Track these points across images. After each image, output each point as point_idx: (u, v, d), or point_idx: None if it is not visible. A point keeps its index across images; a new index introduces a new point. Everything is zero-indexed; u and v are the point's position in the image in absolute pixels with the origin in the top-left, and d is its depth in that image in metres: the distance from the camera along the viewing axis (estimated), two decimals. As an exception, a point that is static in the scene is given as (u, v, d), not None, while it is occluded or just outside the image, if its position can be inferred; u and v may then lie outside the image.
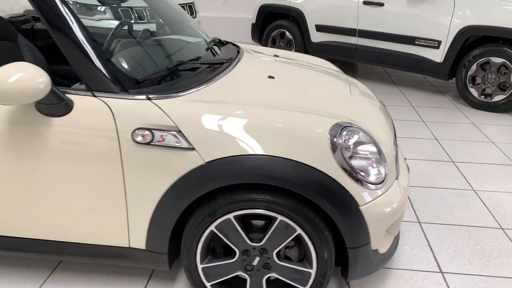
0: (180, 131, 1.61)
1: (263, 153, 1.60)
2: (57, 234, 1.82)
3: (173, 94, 1.71)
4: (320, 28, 5.63)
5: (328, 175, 1.60)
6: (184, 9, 5.51)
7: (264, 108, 1.72)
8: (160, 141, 1.62)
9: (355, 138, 1.71)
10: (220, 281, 1.83)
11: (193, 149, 1.61)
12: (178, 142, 1.61)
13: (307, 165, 1.60)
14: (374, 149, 1.74)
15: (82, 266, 2.14)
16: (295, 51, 5.99)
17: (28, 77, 1.49)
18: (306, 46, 5.88)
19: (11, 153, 1.66)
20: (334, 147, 1.63)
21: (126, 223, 1.74)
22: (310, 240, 1.67)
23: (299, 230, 1.67)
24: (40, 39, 3.05)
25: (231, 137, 1.61)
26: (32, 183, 1.70)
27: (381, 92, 5.23)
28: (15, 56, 2.65)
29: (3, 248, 1.88)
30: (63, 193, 1.71)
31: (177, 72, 1.90)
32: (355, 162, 1.66)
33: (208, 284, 1.82)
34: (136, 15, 2.56)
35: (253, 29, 6.40)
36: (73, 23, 1.65)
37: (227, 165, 1.60)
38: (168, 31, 2.53)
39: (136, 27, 2.46)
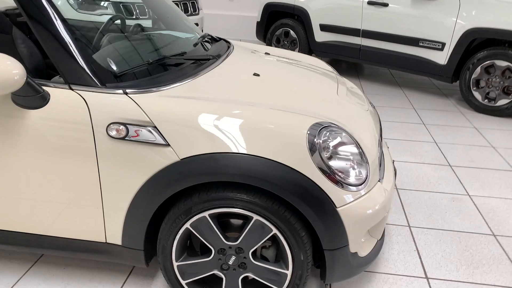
0: (155, 127, 1.59)
1: (238, 151, 1.57)
2: (37, 227, 1.81)
3: (152, 89, 1.69)
4: (324, 28, 5.58)
5: (305, 176, 1.57)
6: (187, 6, 5.49)
7: (243, 106, 1.69)
8: (134, 136, 1.60)
9: (335, 139, 1.67)
10: (196, 280, 1.80)
11: (168, 145, 1.59)
12: (153, 138, 1.59)
13: (283, 164, 1.56)
14: (355, 150, 1.70)
15: (64, 259, 2.13)
16: (299, 50, 5.96)
17: (3, 68, 1.48)
18: (310, 46, 5.83)
19: (-13, 145, 1.66)
20: (312, 147, 1.59)
21: (102, 218, 1.73)
22: (285, 241, 1.64)
23: (274, 230, 1.63)
24: (35, 32, 3.05)
25: (207, 134, 1.58)
26: (8, 176, 1.69)
27: (383, 93, 5.17)
28: (9, 48, 2.65)
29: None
30: (39, 186, 1.70)
31: (159, 67, 1.88)
32: (334, 163, 1.63)
33: (183, 282, 1.80)
34: (131, 10, 2.54)
35: (258, 28, 6.36)
36: (51, 15, 1.64)
37: (201, 162, 1.57)
38: (162, 27, 2.51)
39: (131, 22, 2.45)
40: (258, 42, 7.40)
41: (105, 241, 1.79)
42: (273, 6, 6.05)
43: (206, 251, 1.78)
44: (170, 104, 1.63)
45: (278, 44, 6.20)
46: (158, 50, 2.07)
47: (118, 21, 2.19)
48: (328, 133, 1.66)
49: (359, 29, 5.25)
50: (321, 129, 1.65)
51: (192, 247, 1.86)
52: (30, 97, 1.59)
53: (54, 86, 1.65)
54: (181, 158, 1.58)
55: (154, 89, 1.70)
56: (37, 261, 2.11)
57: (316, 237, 1.71)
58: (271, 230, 1.64)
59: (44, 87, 1.64)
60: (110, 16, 2.17)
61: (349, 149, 1.69)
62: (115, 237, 1.76)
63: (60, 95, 1.63)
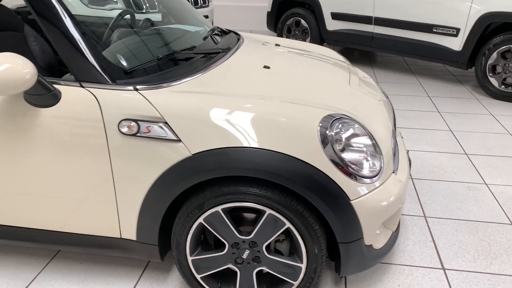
0: (166, 123, 1.58)
1: (250, 145, 1.56)
2: (53, 224, 1.83)
3: (162, 85, 1.68)
4: (335, 16, 5.51)
5: (317, 169, 1.55)
6: (197, -2, 5.47)
7: (254, 99, 1.67)
8: (146, 132, 1.60)
9: (348, 131, 1.65)
10: (210, 274, 1.81)
11: (180, 140, 1.58)
12: (164, 134, 1.59)
13: (295, 158, 1.55)
14: (368, 141, 1.68)
15: (79, 255, 2.16)
16: (310, 39, 5.90)
17: (14, 67, 1.49)
18: (321, 35, 5.76)
19: (0, 143, 1.67)
20: (324, 139, 1.58)
21: (117, 214, 1.74)
22: (299, 234, 1.63)
23: (288, 224, 1.63)
24: (47, 29, 3.06)
25: (218, 128, 1.58)
26: (22, 174, 1.71)
27: (397, 81, 5.09)
28: (22, 46, 2.67)
29: (3, 237, 1.90)
30: (53, 183, 1.71)
31: (169, 62, 1.87)
32: (347, 155, 1.61)
33: (198, 277, 1.81)
34: (140, 4, 2.54)
35: (269, 18, 6.31)
36: (60, 13, 1.64)
37: (213, 157, 1.57)
38: (172, 21, 2.50)
39: (140, 17, 2.44)
40: (269, 33, 7.34)
41: (120, 237, 1.80)
42: (283, -5, 5.99)
43: (220, 246, 1.78)
44: (180, 100, 1.63)
45: (289, 34, 6.15)
46: (168, 45, 2.06)
47: (128, 16, 2.18)
48: (340, 125, 1.64)
49: (372, 17, 5.17)
50: (333, 121, 1.63)
51: (206, 241, 1.86)
52: (42, 95, 1.60)
53: (65, 84, 1.66)
54: (192, 153, 1.58)
55: (164, 84, 1.69)
56: (54, 257, 2.14)
57: (331, 229, 1.70)
58: (284, 224, 1.63)
59: (55, 85, 1.64)
60: (119, 11, 2.16)
61: (362, 141, 1.67)
62: (130, 232, 1.77)
63: (71, 93, 1.63)
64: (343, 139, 1.63)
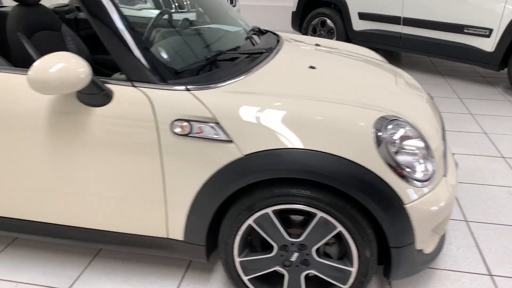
0: (218, 123, 1.58)
1: (303, 147, 1.54)
2: (100, 223, 1.83)
3: (212, 85, 1.68)
4: (363, 16, 5.46)
5: (371, 171, 1.53)
6: (224, -2, 5.47)
7: (305, 100, 1.65)
8: (198, 133, 1.59)
9: (401, 133, 1.62)
10: (257, 276, 1.80)
11: (232, 141, 1.57)
12: (216, 134, 1.58)
13: (349, 160, 1.53)
14: (421, 144, 1.65)
15: (120, 254, 2.16)
16: (336, 39, 5.85)
17: (69, 67, 1.49)
18: (347, 35, 5.72)
19: (53, 142, 1.69)
20: (378, 141, 1.55)
21: (165, 214, 1.74)
22: (351, 238, 1.61)
23: (339, 228, 1.60)
24: (82, 28, 3.09)
25: (270, 129, 1.56)
26: (73, 172, 1.72)
27: (426, 82, 5.02)
28: (59, 45, 2.70)
29: (45, 234, 1.92)
30: (102, 182, 1.72)
31: (216, 62, 1.86)
32: (400, 158, 1.58)
33: (245, 278, 1.79)
34: (176, 4, 2.54)
35: (294, 18, 6.28)
36: (114, 13, 1.64)
37: (265, 158, 1.55)
38: (207, 20, 2.50)
39: (176, 16, 2.44)
40: (293, 33, 7.30)
41: (166, 237, 1.80)
42: (309, -5, 5.95)
43: (267, 247, 1.76)
44: (232, 100, 1.62)
45: (314, 34, 6.11)
46: (213, 45, 2.05)
47: (169, 16, 2.18)
48: (393, 127, 1.61)
49: (400, 17, 5.10)
50: (387, 122, 1.61)
51: (251, 243, 1.85)
52: (95, 94, 1.61)
53: (116, 83, 1.66)
54: (244, 154, 1.57)
55: (214, 85, 1.68)
56: (96, 256, 2.15)
57: (381, 233, 1.67)
58: (336, 227, 1.61)
59: (107, 85, 1.65)
60: (157, 11, 2.16)
61: (415, 143, 1.64)
62: (177, 232, 1.77)
63: (123, 93, 1.63)
64: (397, 141, 1.60)
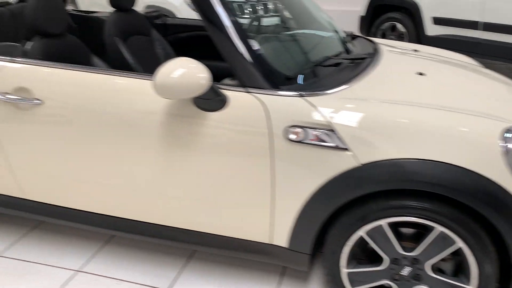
0: (333, 130, 1.55)
1: (426, 157, 1.48)
2: (198, 224, 1.86)
3: (324, 91, 1.65)
4: (438, 21, 5.26)
5: (500, 186, 1.44)
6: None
7: (424, 108, 1.59)
8: (312, 140, 1.57)
9: (528, 145, 1.52)
10: (362, 288, 1.75)
11: (347, 149, 1.54)
12: (331, 142, 1.55)
13: (475, 172, 1.45)
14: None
15: (215, 257, 2.18)
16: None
17: (190, 72, 1.52)
18: (420, 40, 5.53)
19: (167, 144, 1.72)
20: (506, 153, 1.46)
21: (271, 220, 1.73)
22: (472, 255, 1.53)
23: (460, 243, 1.53)
24: (170, 34, 3.17)
25: (388, 138, 1.51)
26: (187, 176, 1.75)
27: (506, 90, 4.75)
28: (149, 49, 2.78)
29: (147, 234, 1.96)
30: (212, 185, 1.73)
31: (323, 68, 1.84)
32: (529, 171, 1.48)
33: (350, 290, 1.75)
34: (266, 8, 2.54)
35: (362, 22, 6.17)
36: (229, 20, 1.66)
37: (384, 168, 1.50)
38: (299, 25, 2.48)
39: (267, 21, 2.44)
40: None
41: (269, 242, 1.79)
42: (380, -1, 5.83)
43: (375, 260, 1.71)
44: (347, 106, 1.58)
45: (383, 38, 5.96)
46: (316, 50, 2.03)
47: (275, 21, 2.19)
48: (520, 139, 1.52)
49: (480, 22, 4.87)
50: (514, 134, 1.51)
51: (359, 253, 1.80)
52: (211, 100, 1.62)
53: (230, 89, 1.67)
54: (362, 163, 1.53)
55: (327, 91, 1.65)
56: (192, 258, 2.18)
57: (500, 249, 1.58)
58: (455, 242, 1.53)
59: (222, 90, 1.66)
60: (269, 16, 2.18)
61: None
62: (281, 239, 1.76)
63: (238, 98, 1.64)
64: (525, 154, 1.50)
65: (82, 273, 2.07)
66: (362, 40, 2.49)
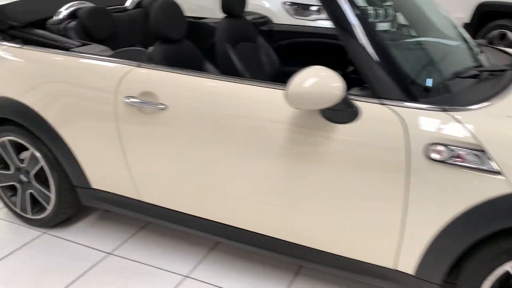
0: (484, 151, 1.37)
1: None
2: (315, 242, 1.76)
3: (472, 106, 1.48)
4: (558, 29, 4.76)
5: None
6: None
7: None
8: (457, 160, 1.41)
9: None
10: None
11: (500, 173, 1.36)
12: (480, 164, 1.38)
13: None
14: None
15: (322, 274, 2.07)
16: (518, 55, 5.21)
17: (322, 82, 1.43)
18: (534, 50, 5.04)
19: (290, 155, 1.64)
20: None
21: (398, 244, 1.59)
22: None
23: None
24: (276, 40, 3.13)
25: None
26: (306, 188, 1.66)
27: None
28: (255, 56, 2.76)
29: (257, 245, 1.91)
30: (337, 201, 1.63)
31: (463, 80, 1.67)
32: None
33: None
34: (395, 14, 2.36)
35: (466, 29, 5.74)
36: (361, 26, 1.54)
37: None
38: (428, 32, 2.29)
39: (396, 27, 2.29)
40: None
41: (393, 268, 1.65)
42: (488, 6, 5.40)
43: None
44: (500, 125, 1.40)
45: (490, 48, 5.52)
46: (455, 60, 1.85)
47: (406, 28, 2.04)
48: None
49: None
50: None
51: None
52: (342, 111, 1.52)
53: (362, 100, 1.56)
54: (517, 189, 1.34)
55: (471, 106, 1.49)
56: (299, 273, 2.09)
57: None
58: None
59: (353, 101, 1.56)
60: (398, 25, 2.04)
61: None
62: (408, 265, 1.61)
63: (372, 110, 1.52)
64: None
65: (190, 279, 2.06)
66: (490, 49, 2.26)
